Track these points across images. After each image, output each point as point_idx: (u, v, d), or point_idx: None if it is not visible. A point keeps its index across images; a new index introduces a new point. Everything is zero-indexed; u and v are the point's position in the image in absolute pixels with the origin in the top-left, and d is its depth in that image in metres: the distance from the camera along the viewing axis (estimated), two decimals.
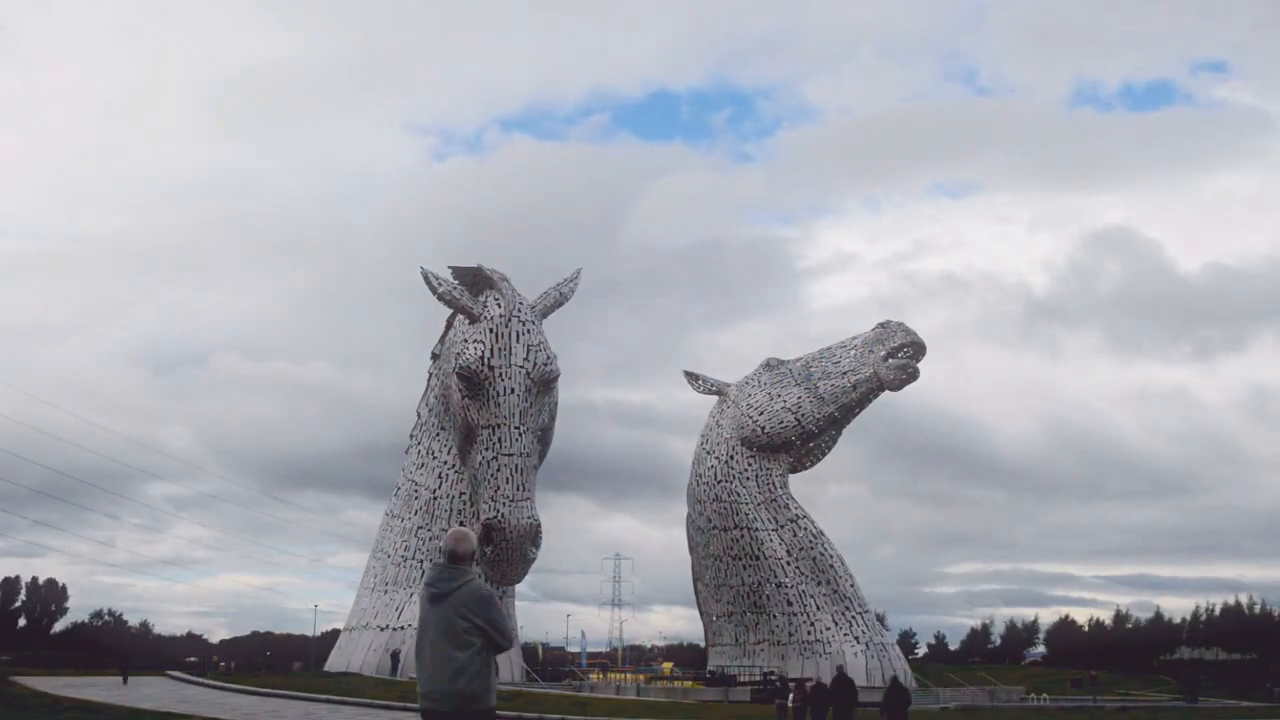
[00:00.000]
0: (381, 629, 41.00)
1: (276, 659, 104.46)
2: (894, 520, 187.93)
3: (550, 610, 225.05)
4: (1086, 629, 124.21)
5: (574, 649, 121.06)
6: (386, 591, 41.80)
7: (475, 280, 31.37)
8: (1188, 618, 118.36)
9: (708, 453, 49.94)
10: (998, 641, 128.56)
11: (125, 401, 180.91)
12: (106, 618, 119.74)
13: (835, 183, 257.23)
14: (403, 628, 40.24)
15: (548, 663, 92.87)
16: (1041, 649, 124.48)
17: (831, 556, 47.79)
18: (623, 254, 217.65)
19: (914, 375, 47.28)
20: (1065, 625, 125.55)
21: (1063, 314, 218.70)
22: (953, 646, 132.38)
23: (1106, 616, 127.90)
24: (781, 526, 48.08)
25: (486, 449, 29.30)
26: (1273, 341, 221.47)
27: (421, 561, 41.00)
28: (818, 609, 46.98)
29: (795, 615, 47.19)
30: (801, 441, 48.93)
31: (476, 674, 6.77)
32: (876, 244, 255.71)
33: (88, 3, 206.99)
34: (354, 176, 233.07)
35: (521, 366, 29.70)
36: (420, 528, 41.22)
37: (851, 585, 47.81)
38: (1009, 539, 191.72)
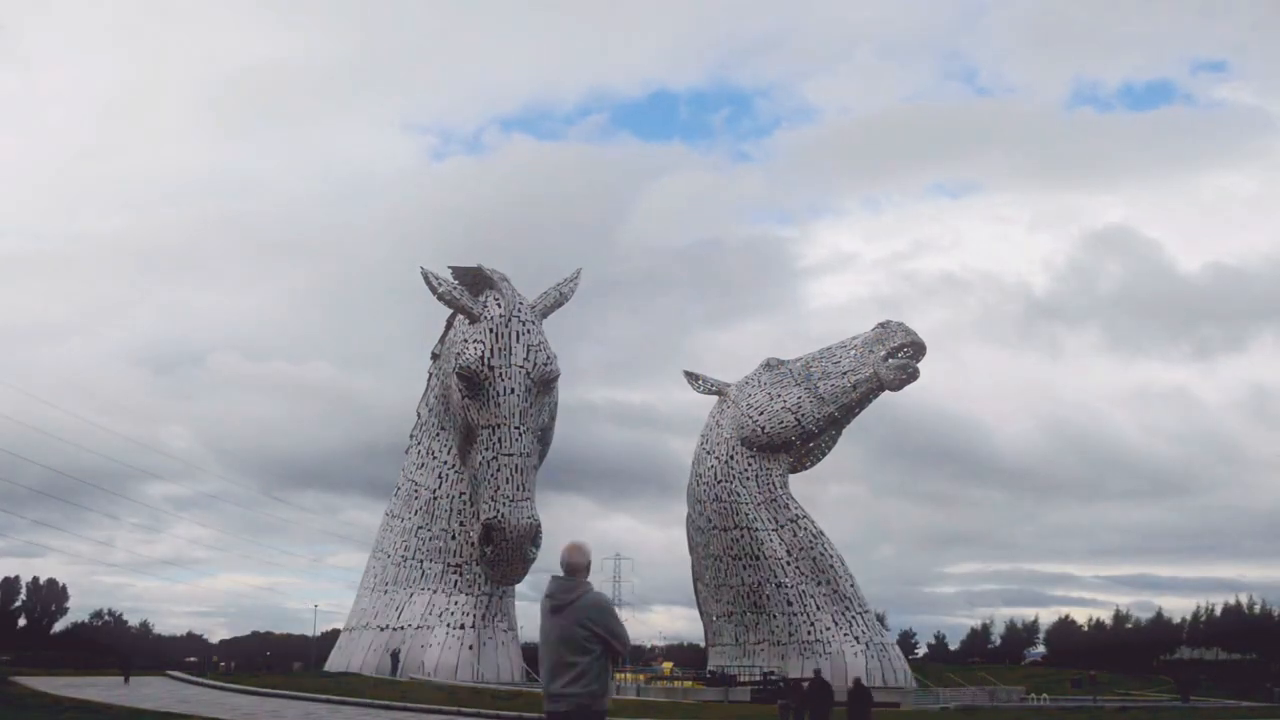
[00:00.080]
0: (381, 629, 40.99)
1: (276, 659, 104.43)
2: (894, 520, 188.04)
3: None
4: (1086, 629, 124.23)
5: None
6: (386, 591, 41.79)
7: (475, 280, 31.38)
8: (1188, 618, 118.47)
9: (708, 453, 49.93)
10: (998, 641, 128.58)
11: (125, 401, 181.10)
12: (106, 618, 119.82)
13: (835, 182, 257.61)
14: (402, 628, 40.23)
15: None
16: (1041, 649, 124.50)
17: (831, 556, 47.78)
18: (622, 254, 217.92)
19: (914, 375, 47.27)
20: (1065, 625, 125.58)
21: (1063, 314, 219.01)
22: (953, 646, 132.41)
23: (1106, 616, 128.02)
24: (781, 526, 48.07)
25: (486, 449, 29.31)
26: (1273, 341, 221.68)
27: (421, 562, 40.99)
28: (818, 609, 46.97)
29: (795, 615, 47.19)
30: (801, 441, 48.92)
31: (595, 677, 7.25)
32: (876, 244, 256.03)
33: (88, 3, 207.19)
34: (353, 176, 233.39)
35: (521, 366, 29.71)
36: (420, 528, 41.22)
37: (851, 585, 47.80)
38: (1009, 539, 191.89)
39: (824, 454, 50.53)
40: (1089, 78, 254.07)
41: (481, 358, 29.58)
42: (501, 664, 39.53)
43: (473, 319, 30.77)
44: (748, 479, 48.45)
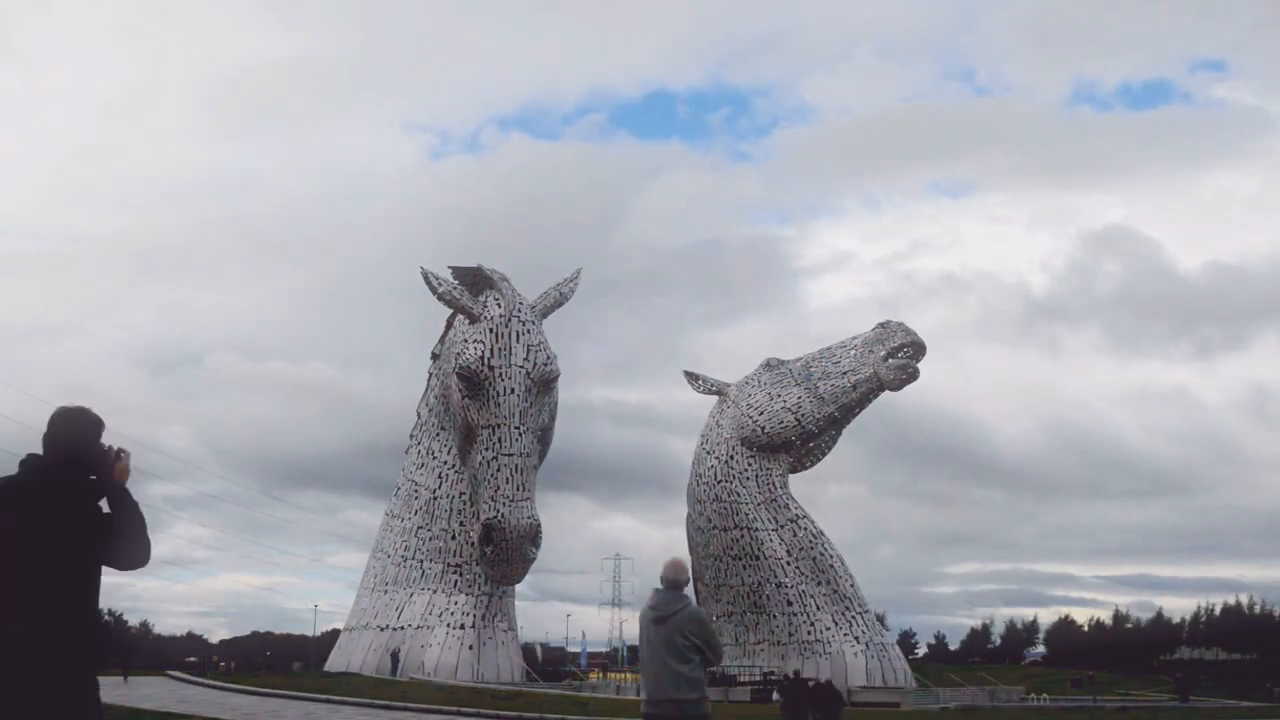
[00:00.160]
0: (381, 629, 40.98)
1: (276, 659, 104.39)
2: (894, 520, 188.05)
3: (550, 610, 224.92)
4: (1086, 629, 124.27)
5: (574, 649, 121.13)
6: (386, 591, 41.78)
7: (475, 280, 31.39)
8: (1188, 618, 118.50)
9: (708, 453, 49.94)
10: (998, 641, 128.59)
11: (125, 401, 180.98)
12: (106, 618, 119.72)
13: (834, 182, 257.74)
14: (402, 628, 40.22)
15: (547, 662, 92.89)
16: (1041, 649, 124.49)
17: (831, 556, 47.78)
18: (621, 253, 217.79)
19: (914, 375, 47.27)
20: (1065, 625, 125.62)
21: (1062, 314, 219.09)
22: (953, 646, 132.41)
23: (1106, 616, 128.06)
24: (781, 526, 48.07)
25: (486, 449, 29.32)
26: (1273, 341, 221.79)
27: (421, 562, 40.98)
28: (818, 609, 46.97)
29: (795, 615, 47.18)
30: (801, 441, 48.92)
31: (695, 683, 8.00)
32: (875, 243, 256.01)
33: (88, 3, 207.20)
34: (352, 176, 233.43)
35: (521, 366, 29.72)
36: (420, 528, 41.21)
37: (851, 585, 47.80)
38: (1009, 539, 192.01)
39: (824, 454, 50.52)
40: (1088, 77, 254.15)
41: (481, 358, 29.59)
42: (501, 664, 39.52)
43: (473, 319, 30.78)
44: (748, 479, 48.45)
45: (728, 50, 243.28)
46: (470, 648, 38.85)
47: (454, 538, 40.04)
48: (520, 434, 29.23)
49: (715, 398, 51.23)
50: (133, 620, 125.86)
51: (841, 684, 43.06)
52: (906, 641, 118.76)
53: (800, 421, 47.89)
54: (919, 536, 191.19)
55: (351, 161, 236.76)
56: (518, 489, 28.79)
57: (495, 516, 28.51)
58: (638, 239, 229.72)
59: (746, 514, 48.04)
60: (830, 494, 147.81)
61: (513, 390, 29.45)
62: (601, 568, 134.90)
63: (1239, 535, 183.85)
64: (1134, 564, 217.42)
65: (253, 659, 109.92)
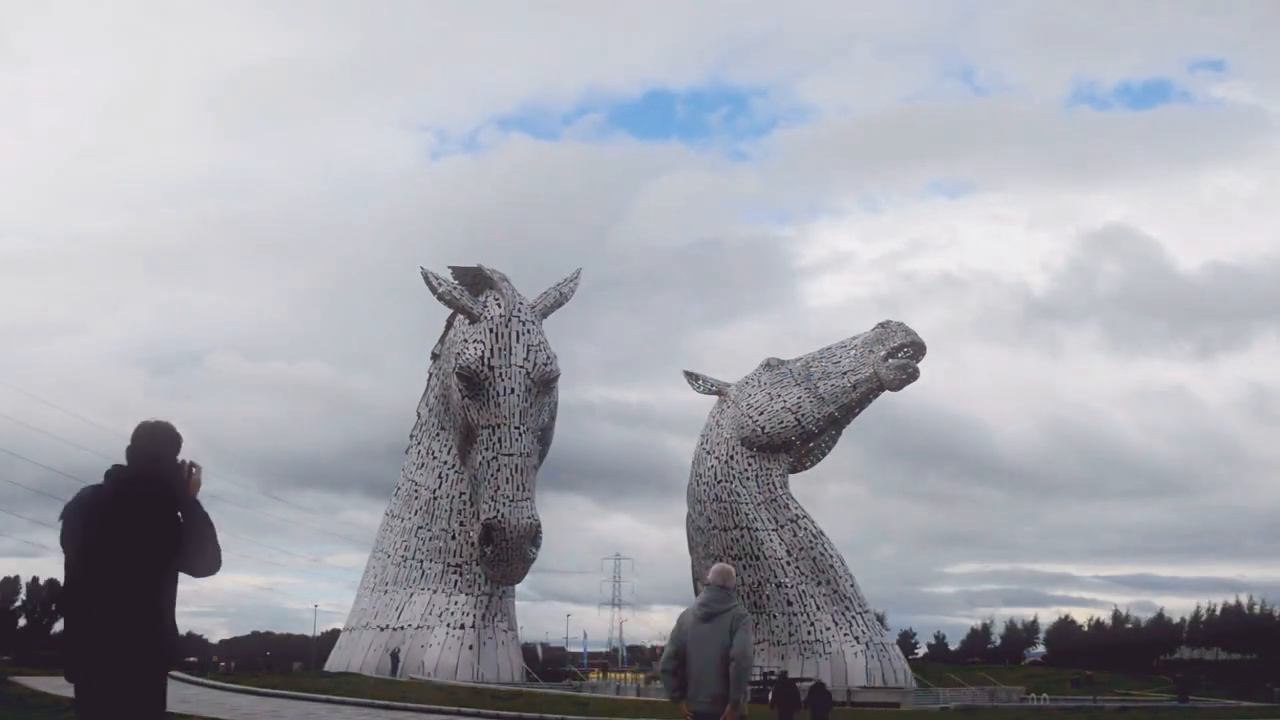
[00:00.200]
0: (381, 629, 40.96)
1: (276, 659, 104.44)
2: (894, 520, 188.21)
3: (550, 610, 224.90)
4: (1086, 629, 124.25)
5: (574, 649, 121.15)
6: (386, 591, 41.76)
7: (475, 280, 31.39)
8: (1187, 618, 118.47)
9: (708, 453, 49.92)
10: (998, 641, 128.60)
11: (124, 401, 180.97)
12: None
13: (833, 182, 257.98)
14: (402, 628, 40.20)
15: (547, 662, 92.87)
16: (1041, 649, 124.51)
17: (831, 556, 47.77)
18: (620, 253, 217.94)
19: (914, 375, 47.25)
20: (1065, 625, 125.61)
21: (1062, 313, 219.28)
22: (953, 646, 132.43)
23: (1106, 616, 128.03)
24: (781, 526, 48.06)
25: (486, 449, 29.32)
26: (1273, 341, 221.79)
27: (421, 562, 40.95)
28: (818, 609, 46.96)
29: (795, 615, 47.17)
30: (801, 441, 48.91)
31: (739, 681, 8.52)
32: (874, 243, 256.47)
33: (88, 3, 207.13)
34: (352, 176, 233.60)
35: (521, 366, 29.72)
36: (420, 528, 41.19)
37: (851, 585, 47.79)
38: (1009, 539, 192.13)
39: (824, 454, 50.50)
40: (1087, 77, 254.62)
41: (481, 358, 29.60)
42: (501, 664, 39.51)
43: (473, 319, 30.78)
44: (748, 479, 48.44)
45: (727, 50, 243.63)
46: (470, 648, 38.84)
47: (454, 538, 40.02)
48: (520, 434, 29.23)
49: (715, 398, 51.21)
50: None
51: (841, 684, 43.10)
52: (906, 641, 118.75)
53: (800, 421, 47.88)
54: (919, 536, 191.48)
55: (351, 161, 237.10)
56: (518, 489, 28.79)
57: (495, 516, 28.51)
58: (637, 239, 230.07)
59: (746, 514, 48.03)
60: (830, 494, 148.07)
61: (513, 390, 29.45)
62: (601, 568, 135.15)
63: (1239, 535, 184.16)
64: (1134, 564, 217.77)
65: (253, 659, 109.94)
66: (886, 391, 47.81)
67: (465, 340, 30.63)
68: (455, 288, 31.15)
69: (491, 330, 30.01)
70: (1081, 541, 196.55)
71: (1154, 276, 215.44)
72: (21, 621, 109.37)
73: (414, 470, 42.08)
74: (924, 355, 47.93)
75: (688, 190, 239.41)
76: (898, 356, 46.98)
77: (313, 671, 50.90)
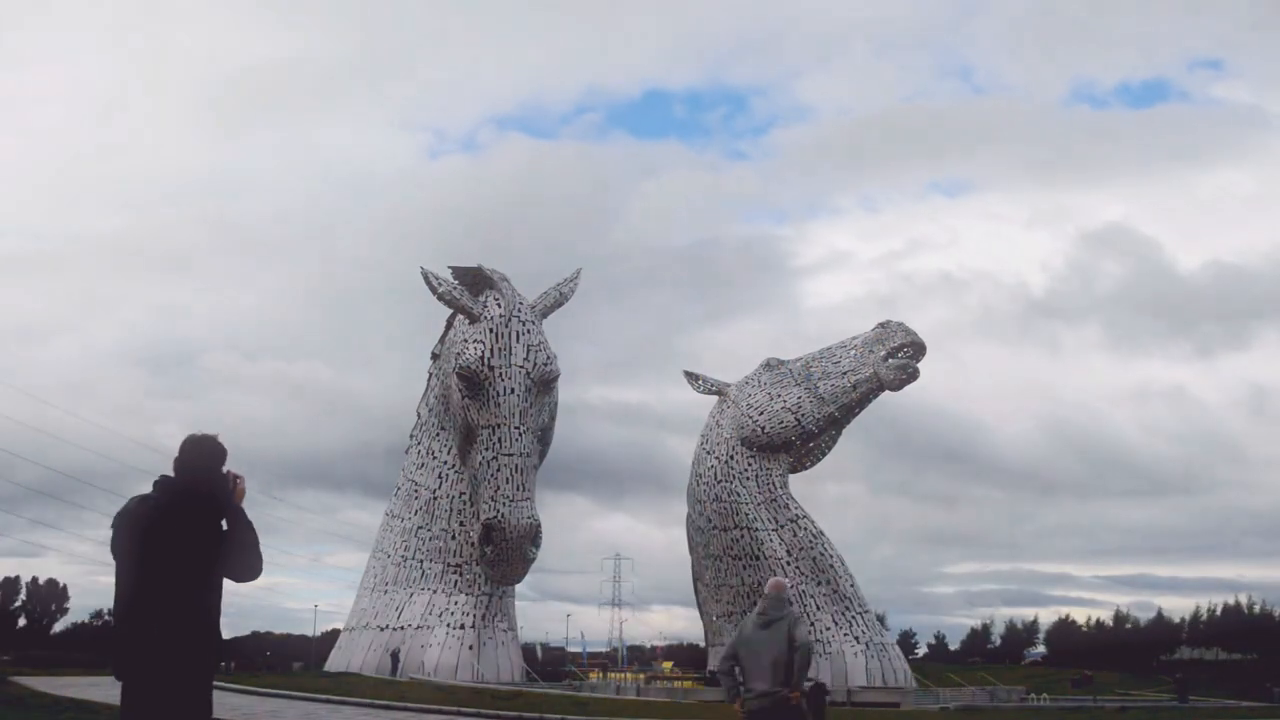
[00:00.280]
0: (381, 629, 40.96)
1: (276, 659, 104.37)
2: (894, 520, 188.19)
3: (550, 610, 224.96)
4: (1086, 629, 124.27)
5: (574, 649, 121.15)
6: (386, 591, 41.76)
7: (475, 280, 31.41)
8: (1187, 618, 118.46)
9: (708, 453, 49.93)
10: (998, 641, 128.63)
11: (122, 400, 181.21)
12: (107, 618, 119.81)
13: (831, 181, 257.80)
14: (402, 628, 40.21)
15: (547, 662, 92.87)
16: (1041, 649, 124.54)
17: (831, 556, 47.78)
18: (618, 253, 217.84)
19: (914, 375, 47.25)
20: (1065, 625, 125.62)
21: (1061, 313, 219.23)
22: (953, 646, 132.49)
23: (1106, 616, 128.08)
24: (781, 526, 48.06)
25: (486, 449, 29.33)
26: (1274, 340, 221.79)
27: (421, 562, 40.96)
28: (818, 609, 46.95)
29: None
30: (801, 441, 48.91)
31: (798, 681, 9.28)
32: (872, 243, 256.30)
33: (87, 2, 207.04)
34: (350, 176, 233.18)
35: (521, 366, 29.73)
36: (420, 528, 41.19)
37: (851, 585, 47.80)
38: (1008, 539, 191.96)
39: (824, 454, 50.50)
40: (1086, 76, 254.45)
41: (481, 358, 29.61)
42: (501, 664, 39.52)
43: (473, 319, 30.79)
44: (748, 479, 48.45)
45: (725, 50, 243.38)
46: (470, 648, 38.85)
47: (454, 538, 40.03)
48: (520, 434, 29.24)
49: (714, 398, 51.23)
50: None
51: (841, 684, 43.12)
52: (906, 641, 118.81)
53: (800, 421, 47.89)
54: (919, 536, 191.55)
55: (349, 161, 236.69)
56: (518, 489, 28.80)
57: (495, 516, 28.52)
58: (635, 238, 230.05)
59: (746, 514, 48.04)
60: (830, 494, 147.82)
61: (513, 390, 29.46)
62: (601, 568, 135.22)
63: (1239, 535, 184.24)
64: (1134, 564, 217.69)
65: (253, 659, 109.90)
66: (886, 391, 47.83)
67: (465, 340, 30.64)
68: (455, 288, 31.17)
69: (491, 330, 30.02)
70: (1081, 541, 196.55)
71: (1153, 276, 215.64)
72: (21, 621, 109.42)
73: (414, 470, 42.09)
74: (924, 355, 47.93)
75: (686, 190, 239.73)
76: (898, 356, 46.99)
77: (313, 671, 50.90)
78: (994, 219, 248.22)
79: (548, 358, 30.39)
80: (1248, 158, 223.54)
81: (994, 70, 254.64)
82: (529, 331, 30.36)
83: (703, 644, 58.31)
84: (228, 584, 5.74)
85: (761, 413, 48.34)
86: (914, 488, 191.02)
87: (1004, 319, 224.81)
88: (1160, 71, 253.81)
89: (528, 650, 72.96)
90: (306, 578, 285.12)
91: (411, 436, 43.34)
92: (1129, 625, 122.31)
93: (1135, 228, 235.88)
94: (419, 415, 42.86)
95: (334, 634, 66.11)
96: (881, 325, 48.26)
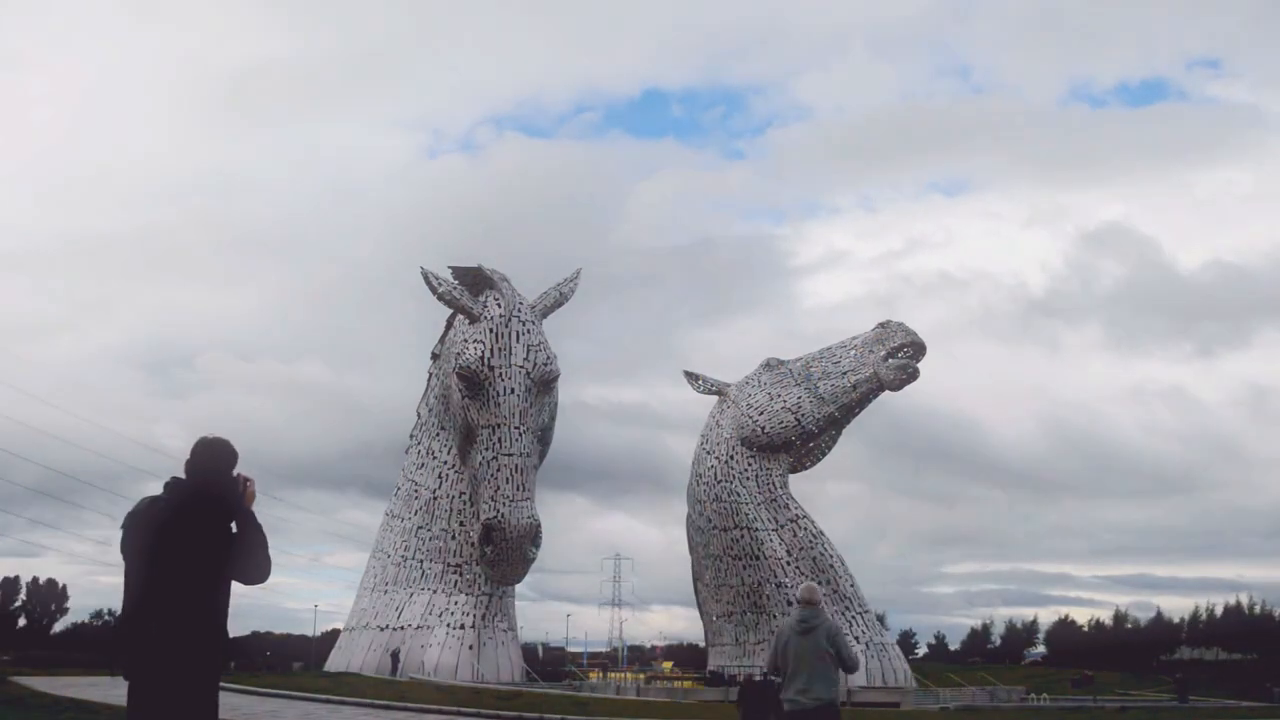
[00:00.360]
0: (381, 629, 40.96)
1: (276, 659, 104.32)
2: (893, 520, 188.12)
3: (550, 610, 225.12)
4: (1086, 629, 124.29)
5: (574, 649, 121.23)
6: (386, 591, 41.75)
7: (475, 280, 31.40)
8: (1187, 618, 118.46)
9: (708, 453, 49.93)
10: (998, 641, 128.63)
11: (120, 400, 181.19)
12: (107, 617, 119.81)
13: (828, 180, 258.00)
14: (402, 628, 40.20)
15: (547, 662, 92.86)
16: (1041, 649, 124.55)
17: (831, 556, 47.78)
18: (616, 252, 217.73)
19: (914, 375, 47.25)
20: (1065, 625, 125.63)
21: (1061, 312, 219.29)
22: (953, 646, 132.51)
23: (1106, 616, 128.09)
24: (781, 526, 48.07)
25: (486, 449, 29.32)
26: (1273, 339, 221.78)
27: (421, 562, 40.95)
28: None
29: None
30: (801, 441, 48.92)
31: (834, 683, 9.87)
32: (870, 242, 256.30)
33: (85, 3, 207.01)
34: (347, 175, 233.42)
35: (521, 366, 29.72)
36: (420, 528, 41.19)
37: (851, 585, 47.80)
38: (1008, 539, 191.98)
39: (824, 454, 50.51)
40: (1084, 75, 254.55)
41: (481, 358, 29.60)
42: (501, 664, 39.51)
43: (473, 319, 30.79)
44: (748, 479, 48.46)
45: (722, 49, 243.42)
46: (470, 648, 38.85)
47: (454, 538, 40.03)
48: (520, 434, 29.24)
49: (714, 398, 51.24)
50: None
51: (841, 684, 43.11)
52: (906, 641, 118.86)
53: (800, 421, 47.89)
54: (918, 536, 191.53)
55: (347, 160, 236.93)
56: (518, 489, 28.80)
57: (495, 516, 28.52)
58: (632, 237, 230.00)
59: (746, 514, 48.04)
60: (830, 494, 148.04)
61: (513, 390, 29.46)
62: (601, 568, 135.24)
63: (1239, 535, 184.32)
64: (1133, 564, 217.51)
65: (252, 659, 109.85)
66: (886, 391, 47.82)
67: (465, 340, 30.63)
68: (455, 288, 31.16)
69: (491, 330, 30.02)
70: (1081, 541, 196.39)
71: (1153, 275, 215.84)
72: (21, 621, 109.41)
73: (414, 470, 42.08)
74: (924, 355, 47.92)
75: (683, 189, 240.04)
76: (898, 356, 46.99)
77: (312, 671, 50.88)
78: (993, 218, 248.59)
79: (548, 358, 30.38)
80: (1246, 156, 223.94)
81: (992, 69, 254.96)
82: (529, 331, 30.35)
83: (703, 644, 58.32)
84: (230, 585, 5.75)
85: (761, 413, 48.34)
86: (914, 487, 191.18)
87: (1003, 319, 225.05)
88: (1158, 71, 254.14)
89: (528, 650, 72.95)
90: (306, 578, 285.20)
91: (411, 436, 43.33)
92: (1129, 625, 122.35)
93: (1134, 227, 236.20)
94: (419, 415, 42.85)
95: (334, 634, 66.12)
96: (881, 325, 48.25)
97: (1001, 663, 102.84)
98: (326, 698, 29.32)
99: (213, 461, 5.71)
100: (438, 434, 40.60)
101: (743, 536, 48.01)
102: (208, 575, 5.51)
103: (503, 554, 28.90)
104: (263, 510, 5.79)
